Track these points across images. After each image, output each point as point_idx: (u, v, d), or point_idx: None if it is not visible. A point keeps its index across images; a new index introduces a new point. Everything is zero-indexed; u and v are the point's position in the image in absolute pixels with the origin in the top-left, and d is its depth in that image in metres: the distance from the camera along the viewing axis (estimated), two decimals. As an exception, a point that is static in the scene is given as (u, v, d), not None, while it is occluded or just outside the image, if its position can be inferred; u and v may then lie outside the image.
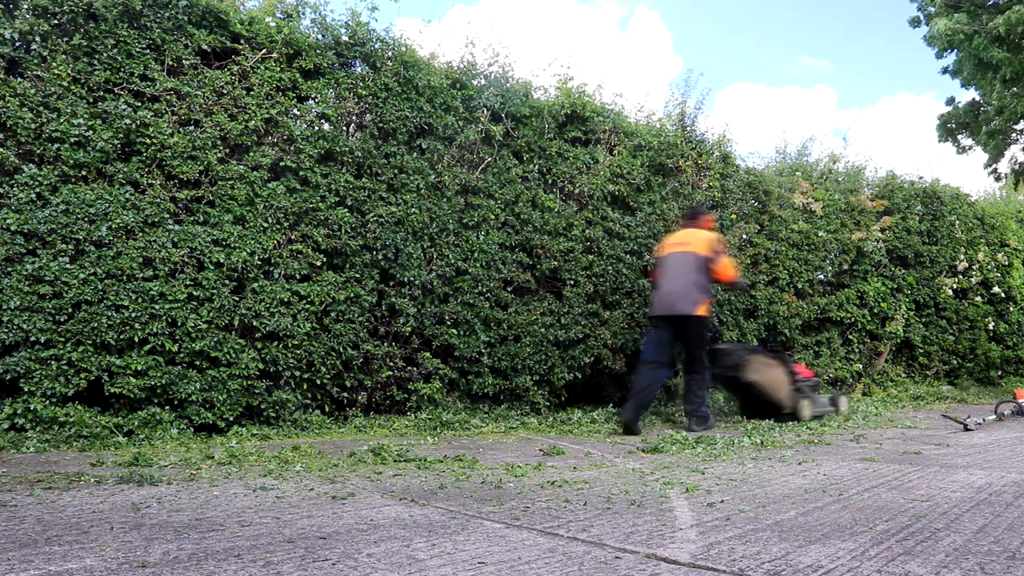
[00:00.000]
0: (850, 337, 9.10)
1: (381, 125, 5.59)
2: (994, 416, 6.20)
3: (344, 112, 5.46)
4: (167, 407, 4.54)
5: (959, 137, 13.23)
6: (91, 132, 4.39)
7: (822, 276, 8.87)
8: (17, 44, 4.38)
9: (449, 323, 5.80)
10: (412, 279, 5.59)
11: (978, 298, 10.60)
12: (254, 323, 4.85)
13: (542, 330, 6.22)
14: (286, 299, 4.99)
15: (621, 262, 6.80)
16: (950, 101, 13.17)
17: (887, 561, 1.95)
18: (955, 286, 10.32)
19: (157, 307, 4.51)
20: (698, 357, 5.85)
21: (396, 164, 5.62)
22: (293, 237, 5.13)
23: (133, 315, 4.43)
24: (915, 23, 11.91)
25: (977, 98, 12.49)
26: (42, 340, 4.21)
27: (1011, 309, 11.11)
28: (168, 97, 4.71)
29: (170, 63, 4.74)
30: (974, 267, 10.53)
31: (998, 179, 13.77)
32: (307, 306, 5.09)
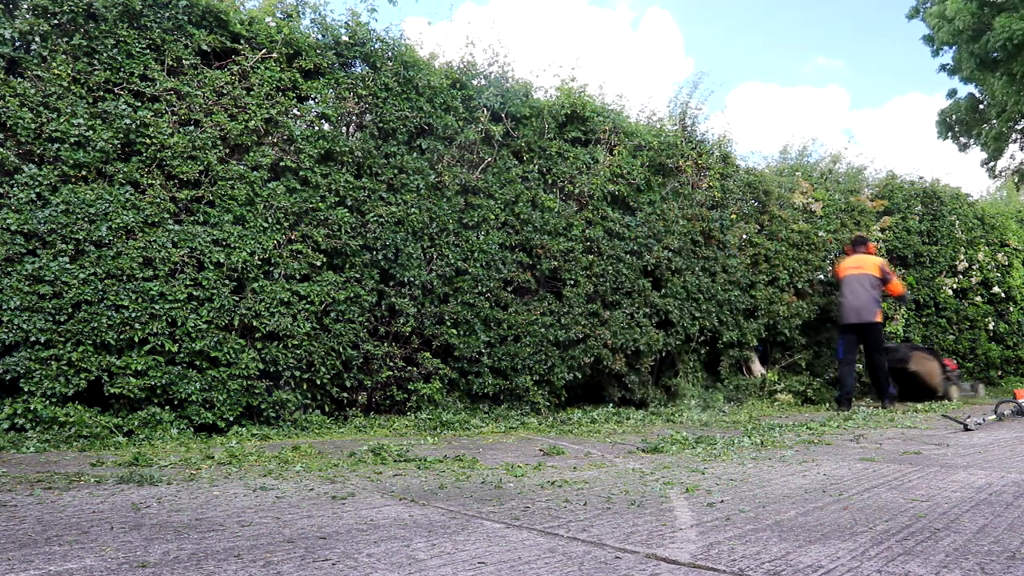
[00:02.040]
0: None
1: (381, 125, 5.60)
2: (994, 416, 6.20)
3: (344, 112, 5.46)
4: (167, 407, 4.54)
5: (959, 135, 13.20)
6: (91, 132, 4.39)
7: (822, 276, 8.88)
8: (17, 44, 4.38)
9: (449, 323, 5.80)
10: (412, 279, 5.59)
11: (978, 298, 10.60)
12: (254, 323, 4.85)
13: (542, 330, 6.22)
14: (286, 299, 4.99)
15: (621, 262, 6.80)
16: (951, 94, 13.08)
17: (887, 561, 1.95)
18: (955, 286, 10.32)
19: (157, 307, 4.51)
20: (879, 353, 7.72)
21: (396, 164, 5.62)
22: (293, 237, 5.13)
23: (133, 315, 4.43)
24: (915, 15, 11.81)
25: (977, 94, 12.44)
26: (42, 340, 4.21)
27: (1011, 309, 11.10)
28: (168, 97, 4.71)
29: (170, 63, 4.74)
30: (974, 267, 10.52)
31: (994, 177, 13.75)
32: (307, 306, 5.09)
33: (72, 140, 4.33)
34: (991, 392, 10.04)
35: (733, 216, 7.92)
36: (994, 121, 11.78)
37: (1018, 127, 12.66)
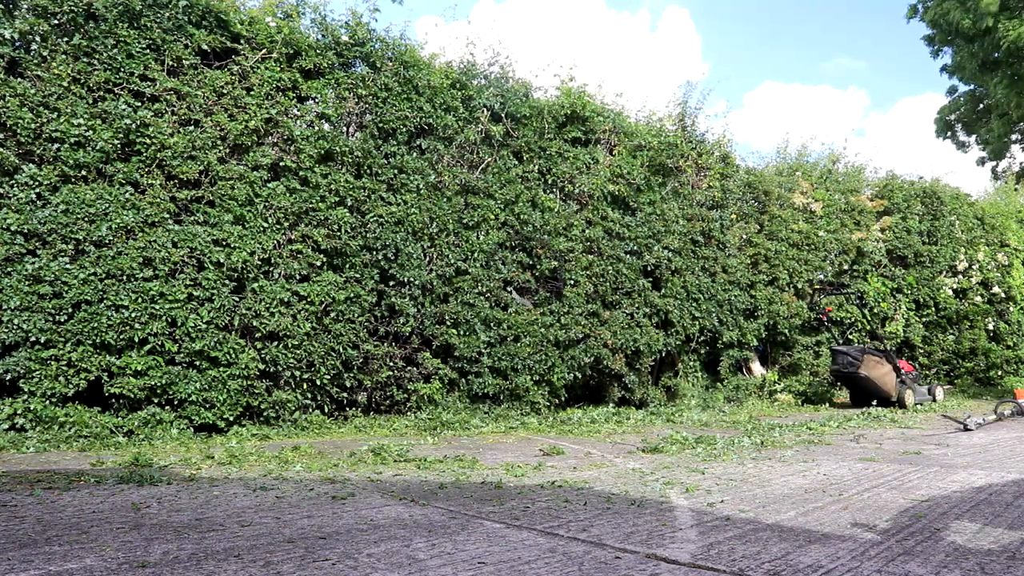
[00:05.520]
0: (850, 337, 9.10)
1: (381, 125, 5.59)
2: (994, 416, 6.20)
3: (344, 112, 5.45)
4: (167, 407, 4.54)
5: (958, 133, 13.14)
6: (91, 132, 4.38)
7: (822, 276, 8.88)
8: (17, 44, 4.37)
9: (449, 323, 5.80)
10: (412, 279, 5.59)
11: (978, 298, 10.60)
12: (254, 323, 4.85)
13: (542, 330, 6.22)
14: (286, 299, 4.99)
15: (621, 262, 6.80)
16: (952, 90, 13.00)
17: (887, 561, 1.95)
18: (955, 286, 10.32)
19: (157, 307, 4.51)
20: None
21: (396, 164, 5.62)
22: (293, 237, 5.13)
23: (133, 315, 4.42)
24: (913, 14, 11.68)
25: (977, 93, 12.38)
26: (42, 340, 4.21)
27: (1011, 309, 11.10)
28: (168, 97, 4.70)
29: (170, 63, 4.74)
30: (974, 267, 10.53)
31: (996, 178, 13.71)
32: (307, 306, 5.09)
33: (72, 140, 4.33)
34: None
35: (733, 216, 7.92)
36: (995, 123, 11.72)
37: (1019, 127, 12.61)
